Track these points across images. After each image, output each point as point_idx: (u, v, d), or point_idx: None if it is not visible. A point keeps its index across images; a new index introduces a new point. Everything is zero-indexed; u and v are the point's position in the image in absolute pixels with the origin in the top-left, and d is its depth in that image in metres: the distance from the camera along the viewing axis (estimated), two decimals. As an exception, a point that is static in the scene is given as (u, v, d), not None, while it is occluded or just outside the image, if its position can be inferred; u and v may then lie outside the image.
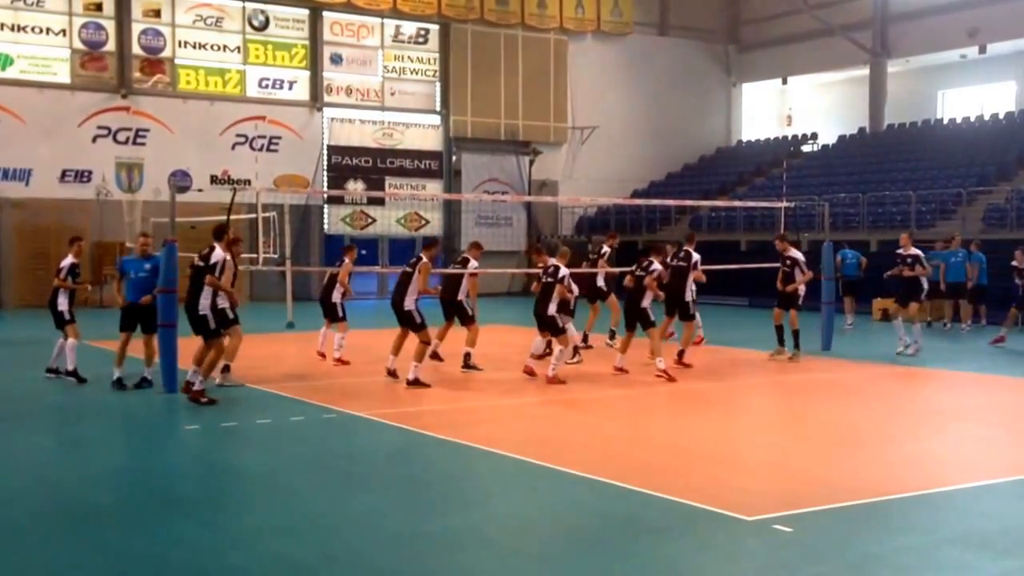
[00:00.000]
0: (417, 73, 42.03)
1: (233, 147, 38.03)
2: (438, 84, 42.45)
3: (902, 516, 9.11)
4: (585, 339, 20.67)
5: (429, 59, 42.25)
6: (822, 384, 17.47)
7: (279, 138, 38.81)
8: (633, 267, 18.33)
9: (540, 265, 19.07)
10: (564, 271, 16.83)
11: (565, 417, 14.30)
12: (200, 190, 34.24)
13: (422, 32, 42.15)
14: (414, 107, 42.02)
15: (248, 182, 36.07)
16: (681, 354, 18.60)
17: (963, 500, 9.73)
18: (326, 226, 39.89)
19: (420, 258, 16.51)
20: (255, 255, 17.60)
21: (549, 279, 16.77)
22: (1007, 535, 8.53)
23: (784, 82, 48.97)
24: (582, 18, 45.44)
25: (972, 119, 40.69)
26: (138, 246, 16.69)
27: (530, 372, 17.20)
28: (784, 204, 25.06)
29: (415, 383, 15.89)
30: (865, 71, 43.87)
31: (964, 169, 35.35)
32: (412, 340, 16.44)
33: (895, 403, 15.78)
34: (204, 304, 14.80)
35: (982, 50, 39.94)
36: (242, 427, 13.19)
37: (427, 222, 41.93)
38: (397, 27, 41.64)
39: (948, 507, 9.54)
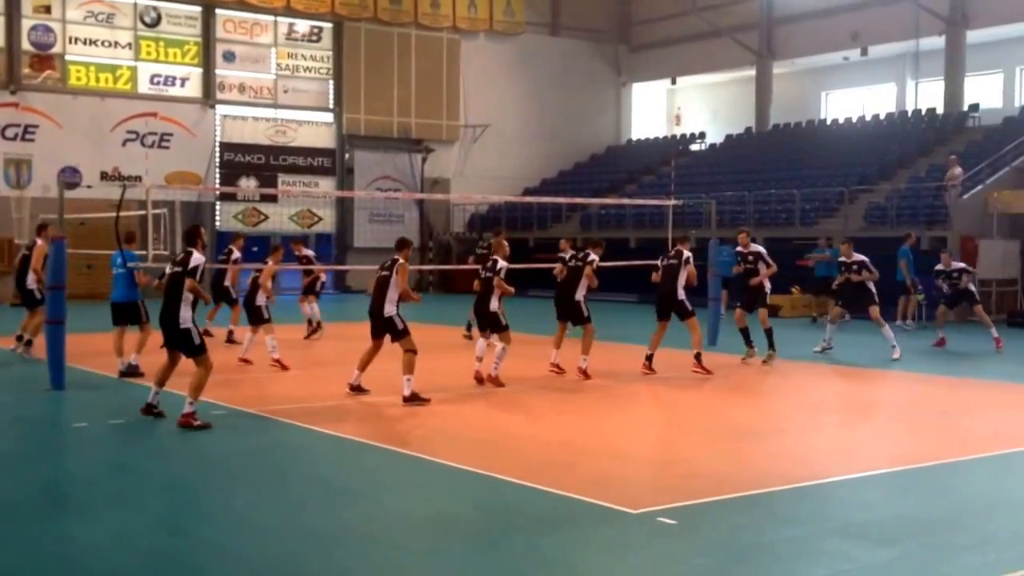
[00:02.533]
0: (310, 71, 41.93)
1: (124, 144, 37.65)
2: (331, 82, 42.42)
3: (786, 508, 9.38)
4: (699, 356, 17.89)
5: (322, 57, 42.17)
6: (710, 378, 17.44)
7: (171, 135, 38.46)
8: (568, 258, 18.05)
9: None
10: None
11: (462, 414, 14.36)
12: (89, 187, 33.87)
13: (315, 30, 42.03)
14: (307, 105, 41.95)
15: (139, 179, 35.80)
16: (698, 357, 17.69)
17: (845, 491, 10.05)
18: (218, 223, 39.58)
19: (396, 259, 15.09)
20: (144, 252, 17.53)
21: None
22: (885, 525, 8.82)
23: (673, 82, 49.63)
24: (475, 17, 45.62)
25: (854, 120, 41.61)
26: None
27: (479, 378, 16.47)
28: (672, 202, 25.40)
29: (413, 399, 14.47)
30: (751, 72, 44.67)
31: (846, 168, 36.13)
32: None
33: (781, 397, 16.20)
34: (186, 316, 12.81)
35: (864, 52, 40.85)
36: (131, 424, 13.00)
37: (320, 219, 41.83)
38: (290, 25, 41.52)
39: (831, 498, 9.84)
